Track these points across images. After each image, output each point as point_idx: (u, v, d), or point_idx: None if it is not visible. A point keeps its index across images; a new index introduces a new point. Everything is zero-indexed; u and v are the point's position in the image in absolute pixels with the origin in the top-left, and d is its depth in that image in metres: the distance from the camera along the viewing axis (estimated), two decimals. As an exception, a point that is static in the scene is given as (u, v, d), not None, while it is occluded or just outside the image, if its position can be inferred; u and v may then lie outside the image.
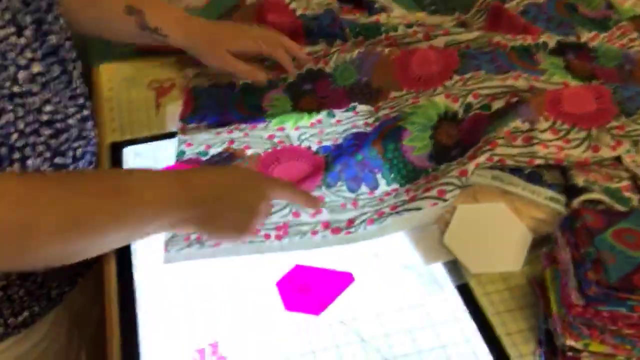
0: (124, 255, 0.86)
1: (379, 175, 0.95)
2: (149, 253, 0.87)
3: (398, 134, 0.97)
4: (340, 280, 0.83)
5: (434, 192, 0.87)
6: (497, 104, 0.99)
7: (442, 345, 0.77)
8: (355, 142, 1.00)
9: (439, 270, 0.85)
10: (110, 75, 1.17)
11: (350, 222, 0.89)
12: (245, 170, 0.89)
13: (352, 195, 0.93)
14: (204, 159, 0.99)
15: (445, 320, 0.79)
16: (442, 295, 0.82)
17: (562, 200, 0.92)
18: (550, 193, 0.93)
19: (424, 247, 0.87)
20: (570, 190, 0.92)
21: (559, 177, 0.96)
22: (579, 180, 0.92)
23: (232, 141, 1.02)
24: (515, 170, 0.94)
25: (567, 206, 0.91)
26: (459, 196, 0.89)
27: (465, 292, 0.82)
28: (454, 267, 0.85)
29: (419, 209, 0.87)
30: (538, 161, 0.92)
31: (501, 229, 0.88)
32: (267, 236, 0.88)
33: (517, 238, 0.87)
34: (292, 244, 0.87)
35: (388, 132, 0.98)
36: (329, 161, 0.98)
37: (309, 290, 0.82)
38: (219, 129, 1.04)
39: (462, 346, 0.77)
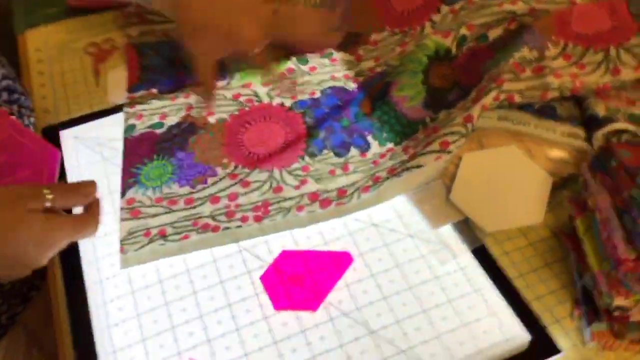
0: (71, 264, 0.73)
1: (370, 137, 0.82)
2: (103, 256, 0.73)
3: (386, 88, 0.84)
4: (336, 263, 0.71)
5: (435, 145, 0.75)
6: (495, 33, 0.86)
7: (464, 323, 0.66)
8: (339, 102, 0.86)
9: (448, 233, 0.74)
10: (39, 43, 1.01)
11: (342, 192, 0.76)
12: None
13: (341, 160, 0.80)
14: (159, 131, 0.85)
15: (463, 293, 0.69)
16: (456, 264, 0.71)
17: (581, 134, 0.81)
18: (567, 128, 0.81)
19: (429, 209, 0.76)
20: (590, 122, 0.81)
21: (573, 108, 0.84)
22: (599, 109, 0.81)
23: (190, 107, 0.87)
24: (523, 107, 0.82)
25: (588, 141, 0.80)
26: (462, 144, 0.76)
27: (483, 256, 0.71)
28: (466, 228, 0.74)
29: (419, 166, 0.73)
30: (552, 94, 0.80)
31: (516, 176, 0.77)
32: (244, 219, 0.75)
33: (536, 185, 0.76)
34: (275, 225, 0.74)
35: (376, 93, 0.85)
36: (311, 127, 0.85)
37: (301, 281, 0.69)
38: (173, 94, 0.89)
39: (486, 321, 0.66)
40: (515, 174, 0.77)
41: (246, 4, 0.77)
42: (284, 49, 0.91)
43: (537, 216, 0.73)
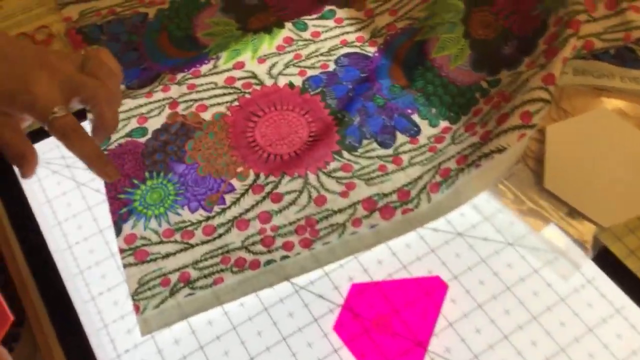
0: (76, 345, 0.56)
1: (416, 117, 0.68)
2: (111, 321, 0.57)
3: (420, 50, 0.70)
4: (426, 293, 0.58)
5: (515, 119, 0.61)
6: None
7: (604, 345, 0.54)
8: (361, 74, 0.71)
9: (557, 234, 0.61)
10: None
11: (404, 194, 0.62)
12: None
13: (389, 151, 0.65)
14: (142, 140, 0.68)
15: (604, 316, 0.57)
16: (581, 276, 0.59)
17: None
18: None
19: (524, 206, 0.62)
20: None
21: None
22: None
23: (175, 103, 0.70)
24: (598, 55, 0.69)
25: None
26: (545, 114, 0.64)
27: (606, 260, 0.59)
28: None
29: (501, 149, 0.60)
30: (636, 34, 0.67)
31: (617, 147, 0.65)
32: (288, 246, 0.60)
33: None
34: (332, 250, 0.60)
35: (406, 54, 0.70)
36: (336, 111, 0.70)
37: (388, 325, 0.56)
38: (147, 88, 0.71)
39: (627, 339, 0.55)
40: (615, 145, 0.65)
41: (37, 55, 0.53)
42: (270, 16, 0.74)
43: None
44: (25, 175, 0.51)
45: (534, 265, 0.58)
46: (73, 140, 0.51)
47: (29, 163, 0.51)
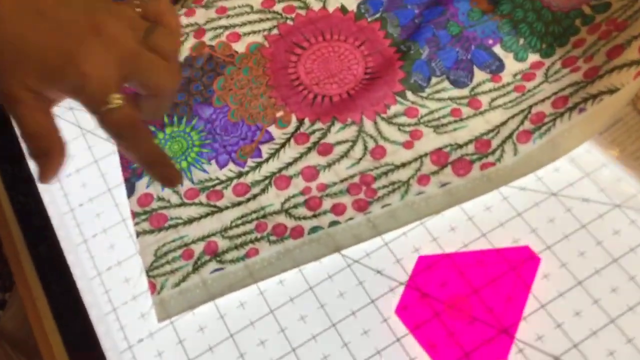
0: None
1: (497, 48, 0.56)
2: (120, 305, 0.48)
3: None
4: (513, 269, 0.47)
5: (633, 52, 0.50)
6: None
7: None
8: None
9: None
10: None
11: (484, 144, 0.51)
12: None
13: (465, 92, 0.54)
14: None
15: None
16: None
17: None
18: None
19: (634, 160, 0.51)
20: None
21: None
22: None
23: (201, 31, 0.60)
24: None
25: None
26: None
27: None
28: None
29: (612, 90, 0.48)
30: None
31: None
32: (339, 209, 0.51)
33: None
34: (392, 215, 0.51)
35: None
36: (400, 42, 0.59)
37: (466, 309, 0.45)
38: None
39: None
40: None
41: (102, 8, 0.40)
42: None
43: None
44: (44, 179, 0.40)
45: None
46: (131, 141, 0.39)
47: (52, 164, 0.39)
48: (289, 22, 0.60)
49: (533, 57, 0.56)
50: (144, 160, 0.40)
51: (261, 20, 0.61)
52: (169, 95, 0.41)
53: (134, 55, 0.38)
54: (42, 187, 0.54)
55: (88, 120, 0.56)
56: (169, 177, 0.41)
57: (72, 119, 0.57)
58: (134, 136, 0.39)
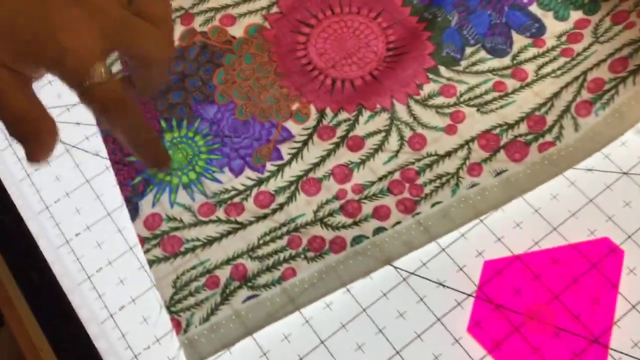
0: None
1: (534, 7, 0.50)
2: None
3: None
4: (595, 265, 0.41)
5: None
6: None
7: None
8: None
9: None
10: None
11: (538, 121, 0.45)
12: None
13: (506, 61, 0.47)
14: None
15: None
16: None
17: None
18: None
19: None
20: None
21: None
22: None
23: (188, 16, 0.53)
24: None
25: None
26: None
27: None
28: None
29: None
30: None
31: None
32: (382, 213, 0.44)
33: None
34: (445, 214, 0.44)
35: None
36: (422, 8, 0.52)
37: (548, 319, 0.39)
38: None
39: None
40: None
41: None
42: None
43: None
44: (35, 157, 0.33)
45: None
46: (117, 117, 0.32)
47: (42, 146, 0.32)
48: (287, -6, 0.53)
49: (576, 15, 0.49)
50: (132, 141, 0.35)
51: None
52: (162, 66, 0.37)
53: (119, 22, 0.32)
54: (27, 218, 0.46)
55: (73, 134, 0.49)
56: (160, 159, 0.36)
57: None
58: (121, 113, 0.33)
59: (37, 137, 0.32)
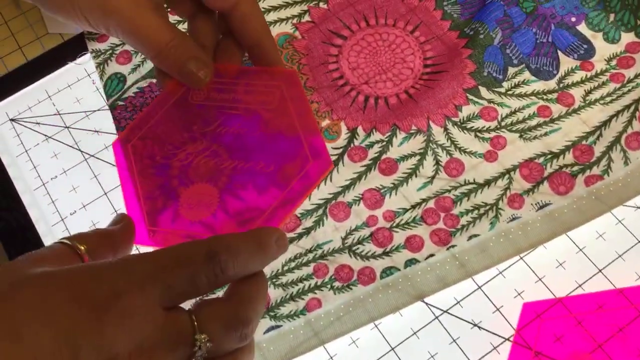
0: None
1: (582, 26, 0.47)
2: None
3: None
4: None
5: None
6: None
7: None
8: None
9: None
10: None
11: (584, 151, 0.44)
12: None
13: (552, 84, 0.45)
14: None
15: None
16: None
17: None
18: None
19: None
20: None
21: None
22: None
23: None
24: None
25: None
26: None
27: None
28: None
29: None
30: None
31: None
32: (415, 243, 0.41)
33: None
34: (482, 247, 0.41)
35: None
36: (462, 23, 0.49)
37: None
38: None
39: None
40: None
41: None
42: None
43: None
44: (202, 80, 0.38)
45: None
46: None
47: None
48: (322, 5, 0.50)
49: (627, 37, 0.46)
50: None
51: (288, 5, 0.50)
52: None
53: None
54: (43, 234, 0.43)
55: (91, 143, 0.46)
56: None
57: (67, 150, 0.46)
58: None
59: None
